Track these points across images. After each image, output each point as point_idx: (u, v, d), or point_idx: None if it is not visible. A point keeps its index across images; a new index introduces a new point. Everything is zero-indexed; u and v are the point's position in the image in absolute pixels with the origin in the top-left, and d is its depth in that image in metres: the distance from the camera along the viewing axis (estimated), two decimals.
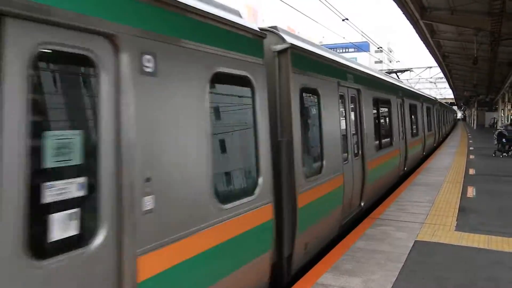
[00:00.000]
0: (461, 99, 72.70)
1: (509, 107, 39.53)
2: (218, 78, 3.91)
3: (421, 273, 5.35)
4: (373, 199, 9.36)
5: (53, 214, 2.41)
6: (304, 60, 5.81)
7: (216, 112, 4.09)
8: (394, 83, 13.06)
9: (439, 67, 34.40)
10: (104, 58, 2.71)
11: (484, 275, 5.26)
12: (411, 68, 31.90)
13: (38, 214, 2.34)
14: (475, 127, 57.79)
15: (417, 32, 19.67)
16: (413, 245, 6.41)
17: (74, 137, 2.57)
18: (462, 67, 31.33)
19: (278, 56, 5.25)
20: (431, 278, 5.18)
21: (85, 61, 2.64)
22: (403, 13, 16.09)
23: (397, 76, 25.34)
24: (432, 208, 8.84)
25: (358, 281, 5.09)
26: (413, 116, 15.75)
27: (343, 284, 5.02)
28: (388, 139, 11.24)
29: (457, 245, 6.44)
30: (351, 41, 37.67)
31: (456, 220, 7.85)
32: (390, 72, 26.55)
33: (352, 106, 8.13)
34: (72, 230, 2.51)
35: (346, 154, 7.42)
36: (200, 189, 3.54)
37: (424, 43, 22.56)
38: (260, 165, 4.54)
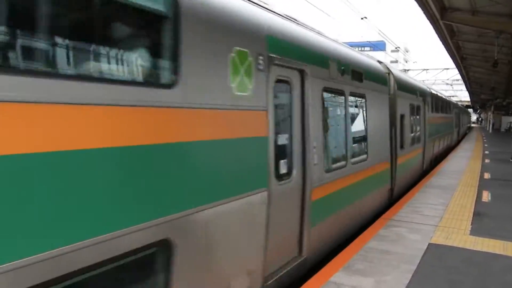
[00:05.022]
0: (477, 102, 71.64)
1: None
2: None
3: (435, 276, 5.28)
4: None
5: None
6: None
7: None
8: None
9: (457, 68, 33.90)
10: None
11: (499, 281, 5.18)
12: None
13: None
14: (490, 131, 56.93)
15: (436, 33, 19.37)
16: (427, 248, 6.34)
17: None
18: (480, 69, 30.84)
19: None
20: (445, 282, 5.12)
21: None
22: (424, 12, 15.85)
23: None
24: (446, 211, 8.73)
25: (371, 281, 5.05)
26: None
27: (355, 284, 4.98)
28: None
29: (472, 249, 6.35)
30: (368, 40, 37.27)
31: (471, 224, 7.74)
32: None
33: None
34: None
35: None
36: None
37: (443, 44, 22.22)
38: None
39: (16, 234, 2.22)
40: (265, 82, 4.43)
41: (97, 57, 2.83)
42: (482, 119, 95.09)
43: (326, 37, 6.66)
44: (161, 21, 3.23)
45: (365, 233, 7.08)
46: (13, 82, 2.20)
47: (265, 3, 4.97)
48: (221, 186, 3.76)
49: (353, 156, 7.20)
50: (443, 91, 48.82)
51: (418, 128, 13.41)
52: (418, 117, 13.44)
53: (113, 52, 2.90)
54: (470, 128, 61.81)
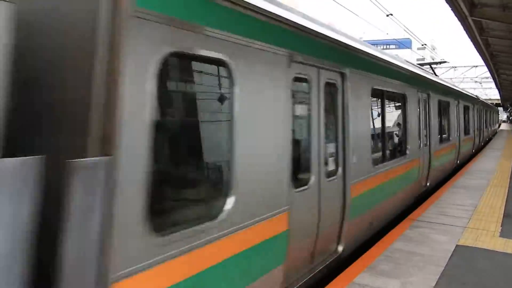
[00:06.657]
0: (507, 100, 69.53)
1: None
2: None
3: (463, 278, 5.17)
4: None
5: None
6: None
7: None
8: None
9: (486, 66, 32.97)
10: None
11: None
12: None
13: None
14: None
15: (464, 30, 18.86)
16: (454, 249, 6.21)
17: None
18: (511, 66, 29.91)
19: None
20: (473, 285, 5.00)
21: None
22: (451, 9, 15.45)
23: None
24: (474, 212, 8.52)
25: (396, 283, 4.98)
26: None
27: (380, 285, 4.93)
28: None
29: (502, 252, 6.19)
30: (393, 37, 36.66)
31: (501, 226, 7.53)
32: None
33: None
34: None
35: None
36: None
37: (471, 41, 21.62)
38: None
39: None
40: None
41: None
42: None
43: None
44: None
45: (390, 233, 6.99)
46: None
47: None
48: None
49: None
50: (471, 90, 44.00)
51: None
52: None
53: None
54: (495, 133, 47.40)
